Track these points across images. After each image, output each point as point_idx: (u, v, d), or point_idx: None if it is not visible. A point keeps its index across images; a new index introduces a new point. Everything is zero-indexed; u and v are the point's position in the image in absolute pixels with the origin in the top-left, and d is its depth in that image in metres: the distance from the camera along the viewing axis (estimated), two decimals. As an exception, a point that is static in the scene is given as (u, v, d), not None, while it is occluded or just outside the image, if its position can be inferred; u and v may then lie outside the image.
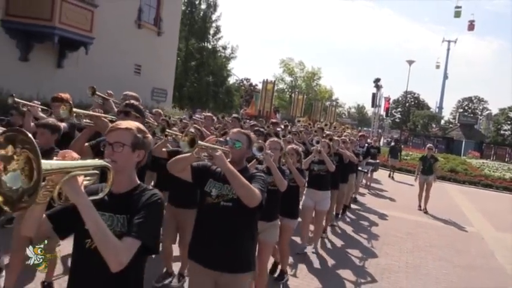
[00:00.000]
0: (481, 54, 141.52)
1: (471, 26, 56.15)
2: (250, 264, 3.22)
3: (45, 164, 1.46)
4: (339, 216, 8.58)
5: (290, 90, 55.22)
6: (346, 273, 5.71)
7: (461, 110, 66.26)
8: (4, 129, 3.13)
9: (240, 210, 3.01)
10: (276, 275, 5.21)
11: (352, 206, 10.02)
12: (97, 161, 1.88)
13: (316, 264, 5.94)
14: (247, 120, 11.75)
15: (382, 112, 41.35)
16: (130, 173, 2.15)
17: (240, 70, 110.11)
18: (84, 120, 3.76)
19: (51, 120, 4.16)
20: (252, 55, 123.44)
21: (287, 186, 4.11)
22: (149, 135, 2.27)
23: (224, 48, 30.72)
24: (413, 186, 11.33)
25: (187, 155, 2.94)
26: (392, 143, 20.39)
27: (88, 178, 1.85)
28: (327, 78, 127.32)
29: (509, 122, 49.65)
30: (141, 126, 2.23)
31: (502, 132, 52.06)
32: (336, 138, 7.85)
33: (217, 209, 3.05)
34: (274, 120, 11.25)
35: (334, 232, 7.65)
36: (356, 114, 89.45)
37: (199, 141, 2.80)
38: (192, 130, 3.51)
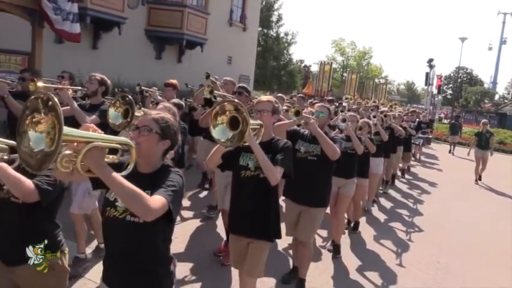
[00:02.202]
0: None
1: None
2: (325, 201, 4.23)
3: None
4: (389, 183, 9.54)
5: (342, 69, 57.02)
6: (401, 217, 7.48)
7: (517, 85, 65.12)
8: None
9: (322, 163, 3.95)
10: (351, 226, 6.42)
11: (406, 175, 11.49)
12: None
13: (373, 218, 7.25)
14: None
15: (434, 90, 42.43)
16: (270, 129, 3.16)
17: (293, 52, 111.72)
18: (218, 98, 4.92)
19: (177, 100, 5.15)
20: (305, 37, 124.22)
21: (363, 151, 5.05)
22: (280, 105, 3.31)
23: (286, 34, 33.61)
24: (471, 161, 12.29)
25: (288, 122, 4.02)
26: (453, 121, 21.39)
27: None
28: (377, 56, 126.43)
29: None
30: (276, 100, 3.28)
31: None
32: (389, 114, 8.49)
33: (305, 161, 3.99)
34: (329, 98, 12.59)
35: (388, 197, 8.91)
36: (406, 91, 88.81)
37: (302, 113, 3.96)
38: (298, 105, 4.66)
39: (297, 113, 3.99)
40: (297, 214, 4.09)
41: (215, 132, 2.68)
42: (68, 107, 4.05)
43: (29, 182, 2.30)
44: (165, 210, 1.88)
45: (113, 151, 1.85)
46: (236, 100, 2.80)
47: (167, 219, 1.95)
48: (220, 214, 5.34)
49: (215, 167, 3.18)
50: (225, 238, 4.92)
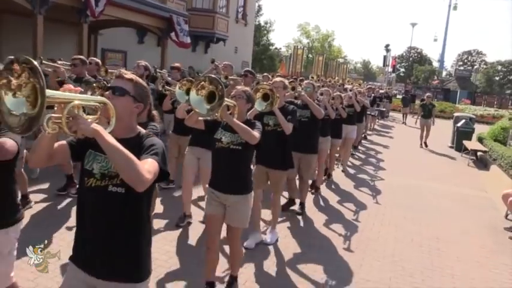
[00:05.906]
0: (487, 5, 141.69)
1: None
2: (316, 149, 5.33)
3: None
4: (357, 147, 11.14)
5: (307, 51, 61.82)
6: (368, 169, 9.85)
7: (461, 63, 72.08)
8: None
9: (312, 122, 5.10)
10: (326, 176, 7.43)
11: (363, 141, 13.03)
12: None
13: (347, 173, 8.42)
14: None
15: (390, 69, 48.29)
16: (283, 99, 4.22)
17: (272, 38, 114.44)
18: (228, 82, 5.65)
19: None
20: (275, 21, 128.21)
21: (335, 117, 6.16)
22: (288, 84, 4.61)
23: (266, 23, 38.52)
24: (419, 129, 13.94)
25: (290, 93, 5.09)
26: (404, 95, 25.56)
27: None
28: (337, 38, 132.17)
29: (496, 75, 57.16)
30: (285, 80, 4.61)
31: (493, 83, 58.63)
32: (356, 90, 9.82)
33: (299, 122, 4.60)
34: (294, 77, 15.12)
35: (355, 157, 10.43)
36: (362, 69, 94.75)
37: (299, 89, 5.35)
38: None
39: (293, 88, 5.45)
40: (297, 160, 4.97)
41: (256, 104, 3.64)
42: None
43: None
44: None
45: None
46: (268, 84, 4.05)
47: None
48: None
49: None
50: None
